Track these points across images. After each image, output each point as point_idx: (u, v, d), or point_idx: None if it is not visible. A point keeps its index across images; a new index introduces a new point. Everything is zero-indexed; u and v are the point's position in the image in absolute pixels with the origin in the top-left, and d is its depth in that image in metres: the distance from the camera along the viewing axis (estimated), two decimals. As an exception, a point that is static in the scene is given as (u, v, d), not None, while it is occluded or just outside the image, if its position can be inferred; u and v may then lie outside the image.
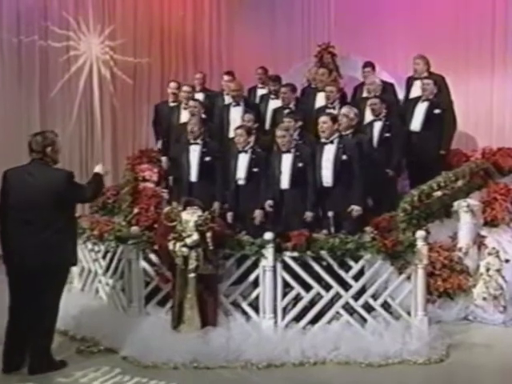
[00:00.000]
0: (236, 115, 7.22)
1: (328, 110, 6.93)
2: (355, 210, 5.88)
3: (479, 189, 6.59)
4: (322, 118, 6.11)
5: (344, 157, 5.96)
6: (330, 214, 5.75)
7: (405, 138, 6.86)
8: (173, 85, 7.97)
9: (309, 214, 5.96)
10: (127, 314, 5.32)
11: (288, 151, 6.14)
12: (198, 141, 6.60)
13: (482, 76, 8.47)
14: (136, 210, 6.18)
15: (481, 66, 8.46)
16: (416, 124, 7.04)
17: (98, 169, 4.77)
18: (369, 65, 7.86)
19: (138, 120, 9.53)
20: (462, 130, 7.62)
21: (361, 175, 5.90)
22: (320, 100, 7.50)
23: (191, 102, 7.27)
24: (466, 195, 6.36)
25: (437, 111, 6.98)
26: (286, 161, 6.12)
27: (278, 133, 6.17)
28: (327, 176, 5.98)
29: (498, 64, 8.43)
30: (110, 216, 6.61)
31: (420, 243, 5.08)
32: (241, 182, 6.35)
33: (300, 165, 6.07)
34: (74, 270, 5.90)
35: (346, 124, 6.37)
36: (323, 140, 6.09)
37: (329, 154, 6.02)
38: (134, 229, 5.44)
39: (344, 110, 6.61)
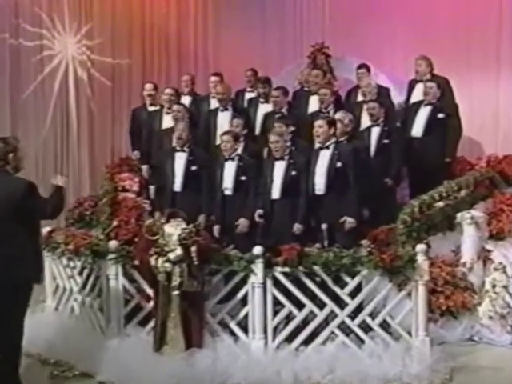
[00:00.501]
0: (224, 120, 7.26)
1: (322, 115, 6.98)
2: (348, 221, 5.93)
3: (484, 199, 6.67)
4: (318, 122, 6.17)
5: (339, 164, 6.01)
6: (324, 226, 5.80)
7: (405, 144, 6.96)
8: (148, 86, 8.02)
9: (298, 227, 6.01)
10: (105, 335, 5.33)
11: (281, 158, 6.20)
12: (185, 148, 6.65)
13: (486, 78, 8.53)
14: (115, 223, 6.20)
15: (485, 67, 8.51)
16: (418, 129, 7.12)
17: (59, 181, 4.66)
18: (363, 66, 7.95)
19: (118, 125, 9.54)
20: (465, 136, 7.67)
21: (356, 185, 5.95)
22: (313, 104, 7.58)
23: (175, 107, 7.30)
24: (469, 206, 6.44)
25: (440, 116, 7.07)
26: (279, 168, 6.19)
27: (272, 138, 6.24)
28: (320, 183, 6.04)
29: (504, 65, 8.49)
30: (87, 229, 6.63)
31: (421, 258, 5.13)
32: (228, 192, 6.41)
33: (293, 173, 6.13)
34: (48, 287, 5.91)
35: (341, 130, 6.44)
36: (318, 145, 6.15)
37: (323, 160, 6.08)
38: (113, 243, 5.46)
39: (339, 114, 6.68)
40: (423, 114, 7.13)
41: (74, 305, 5.79)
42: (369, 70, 7.93)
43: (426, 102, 7.17)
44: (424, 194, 6.23)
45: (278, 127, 6.51)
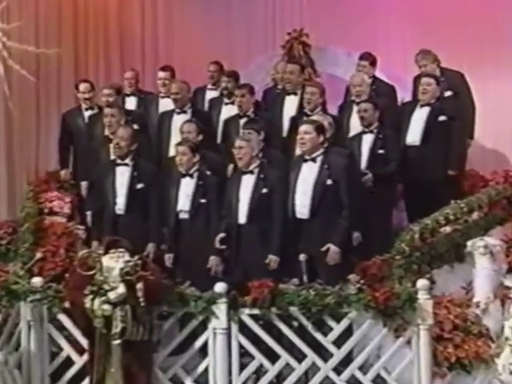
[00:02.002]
0: (180, 124, 7.31)
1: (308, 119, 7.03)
2: (332, 250, 5.95)
3: (501, 223, 6.85)
4: (304, 127, 6.24)
5: (329, 181, 6.08)
6: (303, 257, 5.86)
7: (401, 153, 7.06)
8: (83, 87, 8.07)
9: (273, 259, 6.06)
10: (25, 400, 5.32)
11: (250, 172, 6.28)
12: (127, 161, 6.69)
13: (504, 74, 8.71)
14: (39, 255, 6.19)
15: (502, 61, 8.70)
16: (414, 136, 7.25)
17: None
18: (366, 57, 7.98)
19: (44, 131, 9.49)
20: (478, 144, 7.85)
21: (351, 208, 6.00)
22: (289, 106, 7.67)
23: (106, 110, 7.32)
24: (483, 232, 6.59)
25: (441, 119, 7.20)
26: (246, 185, 6.26)
27: (237, 143, 6.32)
28: (303, 205, 6.09)
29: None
30: (3, 263, 6.59)
31: (422, 296, 5.25)
32: (183, 216, 6.46)
33: (264, 191, 6.21)
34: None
35: None
36: (300, 156, 6.22)
37: (309, 174, 6.15)
38: (37, 280, 5.46)
39: (315, 117, 6.76)
40: (420, 118, 7.27)
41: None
42: (373, 63, 7.97)
43: (422, 102, 7.29)
44: (426, 218, 6.34)
45: (248, 133, 6.60)
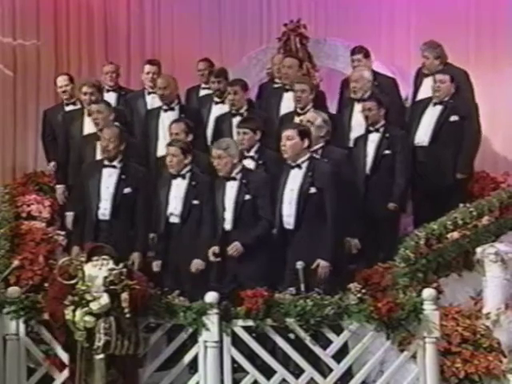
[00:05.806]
0: (168, 124, 7.31)
1: (298, 119, 7.03)
2: (322, 266, 5.97)
3: (513, 229, 6.88)
4: (286, 132, 6.25)
5: (312, 189, 6.11)
6: (300, 264, 5.85)
7: (411, 156, 7.10)
8: (61, 79, 8.09)
9: (231, 250, 6.06)
10: (0, 420, 5.32)
11: (232, 178, 6.31)
12: (115, 163, 6.67)
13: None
14: (16, 262, 6.18)
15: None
16: (423, 136, 7.29)
17: None
18: (359, 51, 8.03)
19: (21, 129, 9.48)
20: (487, 145, 7.87)
21: (336, 219, 6.03)
22: (287, 103, 7.69)
23: (93, 106, 7.30)
24: (494, 238, 6.63)
25: (453, 119, 7.24)
26: (230, 191, 6.31)
27: (214, 152, 6.31)
28: (289, 214, 6.14)
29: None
30: (-24, 272, 6.59)
31: (428, 307, 5.26)
32: (174, 220, 6.47)
33: (247, 197, 6.25)
34: None
35: (313, 135, 6.45)
36: (290, 163, 6.23)
37: (294, 182, 6.19)
38: (13, 290, 5.46)
39: (308, 115, 6.78)
40: (431, 116, 7.30)
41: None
42: (367, 56, 8.03)
43: (436, 100, 7.32)
44: (432, 222, 6.36)
45: (243, 133, 6.62)
